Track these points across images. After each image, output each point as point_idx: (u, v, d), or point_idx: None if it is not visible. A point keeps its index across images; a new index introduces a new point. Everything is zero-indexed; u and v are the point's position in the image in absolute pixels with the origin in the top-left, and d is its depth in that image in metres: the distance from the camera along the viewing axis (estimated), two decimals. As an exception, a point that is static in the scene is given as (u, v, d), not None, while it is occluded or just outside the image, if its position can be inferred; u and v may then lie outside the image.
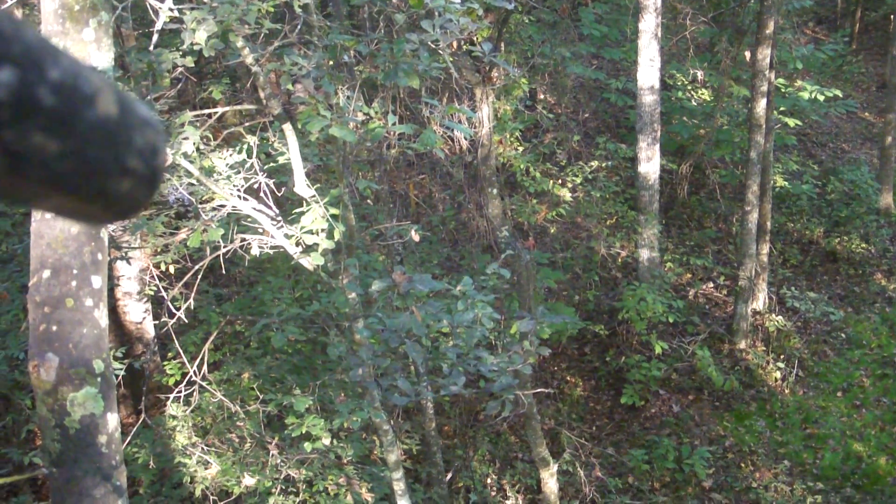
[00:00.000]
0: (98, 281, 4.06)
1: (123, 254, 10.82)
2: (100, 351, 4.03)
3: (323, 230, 6.85)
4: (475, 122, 10.89)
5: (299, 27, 7.16)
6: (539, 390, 11.67)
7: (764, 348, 14.85)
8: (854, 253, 16.79)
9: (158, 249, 9.12)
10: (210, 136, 7.90)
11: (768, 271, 15.78)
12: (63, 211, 0.82)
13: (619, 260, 15.96)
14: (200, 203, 7.29)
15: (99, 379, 4.03)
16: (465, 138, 13.11)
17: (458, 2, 6.18)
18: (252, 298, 11.19)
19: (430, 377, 7.17)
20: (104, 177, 0.80)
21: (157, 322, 11.70)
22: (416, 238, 7.58)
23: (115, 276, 11.77)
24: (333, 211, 6.95)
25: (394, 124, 6.87)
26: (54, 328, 3.91)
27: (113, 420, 4.22)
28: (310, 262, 6.97)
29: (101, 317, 4.05)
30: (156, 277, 9.75)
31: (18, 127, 0.70)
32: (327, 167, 9.99)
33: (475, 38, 10.33)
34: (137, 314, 12.00)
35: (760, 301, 15.45)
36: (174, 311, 8.71)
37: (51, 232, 3.96)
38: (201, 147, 7.20)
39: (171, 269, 9.20)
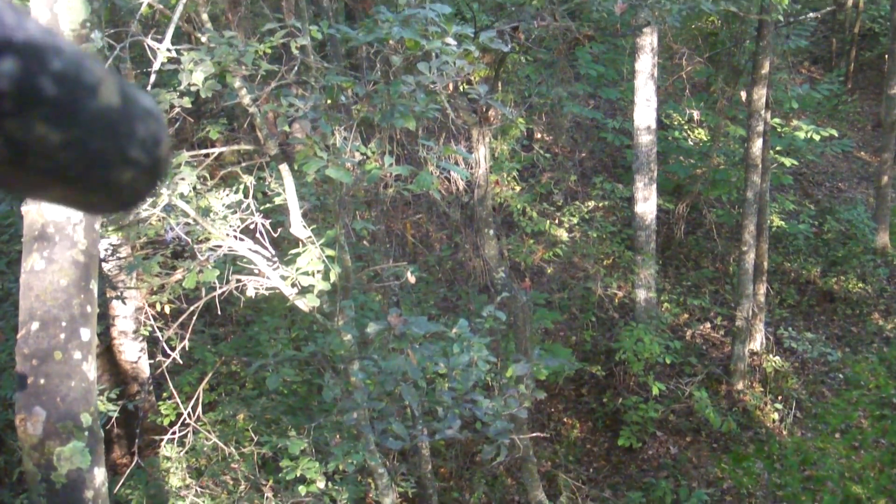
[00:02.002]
0: (87, 333, 4.02)
1: (119, 293, 10.79)
2: (88, 404, 3.98)
3: (319, 271, 6.82)
4: (471, 162, 10.90)
5: (296, 68, 7.17)
6: (535, 434, 11.60)
7: (761, 389, 14.78)
8: (851, 293, 16.76)
9: (154, 289, 9.09)
10: (207, 175, 7.90)
11: (765, 311, 15.74)
12: (65, 201, 0.83)
13: (616, 300, 15.93)
14: (197, 243, 7.27)
15: (86, 433, 3.98)
16: (462, 179, 13.12)
17: (454, 44, 6.19)
18: (248, 338, 11.15)
19: (426, 418, 7.12)
20: (106, 167, 0.81)
21: (152, 361, 11.65)
22: (412, 280, 7.55)
23: (111, 316, 11.72)
24: (329, 252, 6.94)
25: (390, 165, 6.87)
26: (42, 381, 3.87)
27: (100, 475, 4.17)
28: (306, 303, 6.94)
29: (90, 370, 4.01)
30: (151, 317, 9.71)
31: (20, 117, 0.71)
32: (324, 206, 9.99)
33: (472, 79, 10.36)
34: (133, 353, 11.95)
35: (758, 341, 15.40)
36: (169, 351, 8.66)
37: (40, 284, 3.93)
38: (198, 186, 7.19)
39: (167, 309, 9.17)
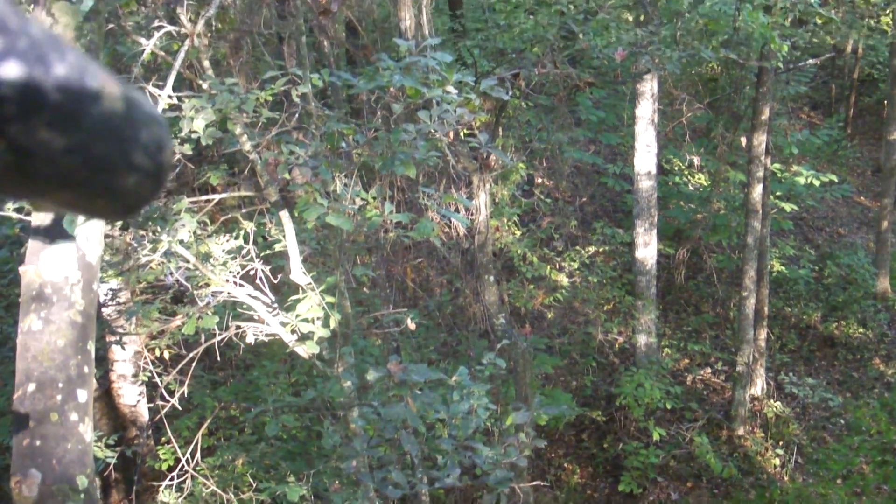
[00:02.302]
0: (84, 395, 4.00)
1: (118, 338, 10.77)
2: (84, 467, 3.94)
3: (319, 318, 6.81)
4: (472, 208, 10.91)
5: (297, 115, 7.19)
6: (536, 483, 11.53)
7: (762, 434, 14.72)
8: (852, 338, 16.73)
9: (154, 334, 9.08)
10: (208, 220, 7.90)
11: (766, 357, 15.70)
12: (69, 206, 0.84)
13: (617, 345, 15.89)
14: (196, 288, 7.26)
15: (82, 496, 3.94)
16: (463, 226, 13.15)
17: (455, 92, 6.22)
18: (247, 383, 11.12)
19: (426, 464, 7.09)
20: (110, 172, 0.81)
21: (151, 405, 11.61)
22: (412, 326, 7.54)
23: (110, 360, 11.70)
24: (329, 299, 6.93)
25: (391, 212, 6.88)
26: (38, 443, 3.84)
27: (95, 536, 4.12)
28: (305, 350, 6.93)
29: (86, 431, 3.98)
30: (150, 362, 9.68)
31: (24, 122, 0.71)
32: (324, 252, 9.99)
33: (473, 124, 10.39)
34: (132, 397, 11.91)
35: (758, 387, 15.35)
36: (168, 397, 8.63)
37: (37, 345, 3.92)
38: (198, 232, 7.19)
39: (166, 354, 9.15)
